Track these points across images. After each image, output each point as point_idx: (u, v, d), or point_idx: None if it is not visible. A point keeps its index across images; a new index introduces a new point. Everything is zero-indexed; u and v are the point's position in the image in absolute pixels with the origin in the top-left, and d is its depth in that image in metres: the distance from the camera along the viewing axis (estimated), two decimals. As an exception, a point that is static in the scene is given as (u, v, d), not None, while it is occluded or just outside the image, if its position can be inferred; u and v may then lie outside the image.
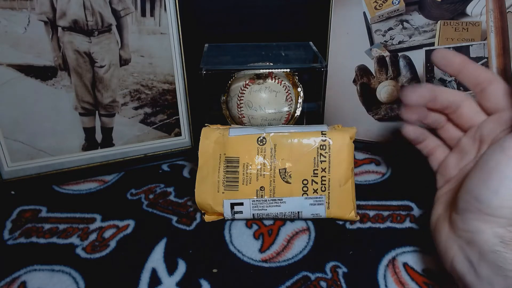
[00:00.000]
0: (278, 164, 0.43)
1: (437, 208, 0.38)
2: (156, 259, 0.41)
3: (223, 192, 0.44)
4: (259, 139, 0.44)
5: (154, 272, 0.40)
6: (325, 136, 0.44)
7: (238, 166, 0.44)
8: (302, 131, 0.44)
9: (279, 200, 0.44)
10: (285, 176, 0.43)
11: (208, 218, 0.45)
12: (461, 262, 0.32)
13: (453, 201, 0.34)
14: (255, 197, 0.43)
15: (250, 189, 0.43)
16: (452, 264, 0.33)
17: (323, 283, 0.38)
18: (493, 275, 0.30)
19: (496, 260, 0.30)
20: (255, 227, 0.45)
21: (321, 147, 0.43)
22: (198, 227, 0.46)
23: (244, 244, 0.43)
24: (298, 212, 0.44)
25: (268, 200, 0.43)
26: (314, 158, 0.43)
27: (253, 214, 0.44)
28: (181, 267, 0.40)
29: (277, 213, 0.44)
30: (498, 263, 0.30)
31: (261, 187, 0.43)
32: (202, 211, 0.45)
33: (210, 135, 0.45)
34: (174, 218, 0.47)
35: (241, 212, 0.44)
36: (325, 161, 0.43)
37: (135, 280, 0.39)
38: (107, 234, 0.45)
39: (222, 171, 0.44)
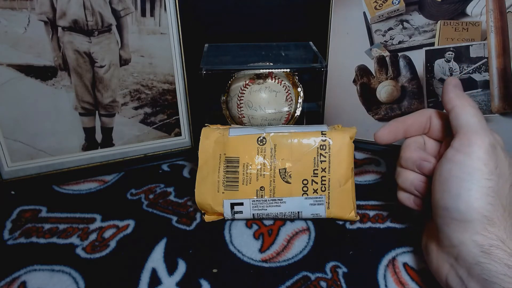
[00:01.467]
0: (278, 164, 0.43)
1: (425, 232, 0.40)
2: (156, 259, 0.41)
3: (223, 192, 0.44)
4: (259, 139, 0.44)
5: (154, 272, 0.40)
6: (325, 136, 0.44)
7: (238, 166, 0.44)
8: (302, 131, 0.44)
9: (279, 200, 0.44)
10: (285, 176, 0.43)
11: (208, 218, 0.45)
12: (454, 280, 0.34)
13: (433, 222, 0.36)
14: (255, 197, 0.43)
15: (250, 189, 0.43)
16: (447, 282, 0.35)
17: (323, 283, 0.38)
18: None
19: (481, 273, 0.31)
20: (255, 227, 0.45)
21: (321, 147, 0.43)
22: (198, 227, 0.46)
23: (244, 244, 0.43)
24: (298, 212, 0.44)
25: (268, 200, 0.43)
26: (314, 158, 0.43)
27: (253, 214, 0.44)
28: (181, 267, 0.40)
29: (277, 213, 0.44)
30: (484, 276, 0.31)
31: (261, 187, 0.43)
32: (202, 211, 0.45)
33: (210, 135, 0.45)
34: (174, 218, 0.47)
35: (241, 212, 0.44)
36: (325, 161, 0.43)
37: (135, 280, 0.39)
38: (107, 234, 0.45)
39: (222, 171, 0.44)
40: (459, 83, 0.38)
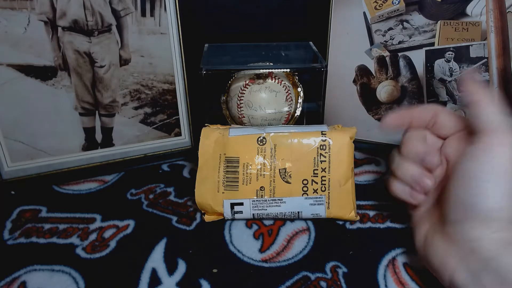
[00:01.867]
0: (278, 164, 0.43)
1: (421, 228, 0.38)
2: (156, 259, 0.41)
3: (223, 192, 0.44)
4: (259, 139, 0.44)
5: (154, 272, 0.40)
6: (325, 136, 0.44)
7: (238, 166, 0.44)
8: (302, 131, 0.44)
9: (279, 200, 0.44)
10: (285, 176, 0.43)
11: (208, 218, 0.45)
12: (464, 274, 0.32)
13: (441, 217, 0.36)
14: (255, 197, 0.43)
15: (250, 189, 0.43)
16: (452, 279, 0.33)
17: (323, 283, 0.38)
18: (496, 285, 0.30)
19: (498, 267, 0.30)
20: (255, 227, 0.45)
21: (321, 147, 0.43)
22: (198, 227, 0.46)
23: (244, 244, 0.43)
24: (298, 212, 0.44)
25: (268, 200, 0.44)
26: (314, 158, 0.43)
27: (253, 214, 0.44)
28: (181, 267, 0.40)
29: (277, 213, 0.44)
30: (500, 271, 0.30)
31: (261, 187, 0.43)
32: (202, 211, 0.46)
33: (210, 135, 0.45)
34: (174, 218, 0.47)
35: (241, 212, 0.44)
36: (325, 161, 0.43)
37: (135, 280, 0.39)
38: (107, 234, 0.45)
39: (222, 171, 0.44)
40: (478, 77, 0.37)
